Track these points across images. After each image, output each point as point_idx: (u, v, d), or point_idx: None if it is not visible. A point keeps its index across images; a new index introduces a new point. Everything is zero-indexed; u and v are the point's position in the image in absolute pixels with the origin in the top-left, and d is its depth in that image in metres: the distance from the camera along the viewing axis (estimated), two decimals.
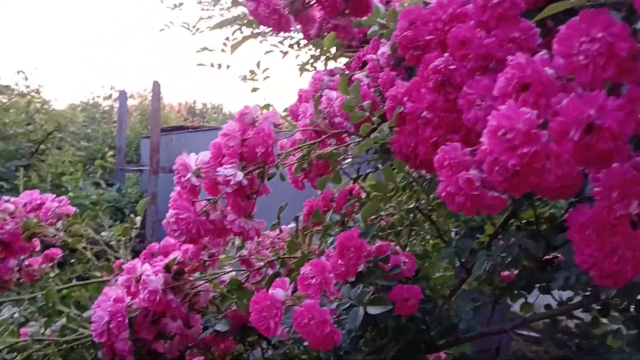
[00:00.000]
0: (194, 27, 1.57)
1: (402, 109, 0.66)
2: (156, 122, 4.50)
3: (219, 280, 0.92)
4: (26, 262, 1.21)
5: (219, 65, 1.46)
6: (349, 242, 0.74)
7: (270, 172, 0.80)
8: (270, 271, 0.93)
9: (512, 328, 0.98)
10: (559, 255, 0.98)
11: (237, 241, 0.91)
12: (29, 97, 5.28)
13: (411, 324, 0.85)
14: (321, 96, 1.08)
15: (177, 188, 0.79)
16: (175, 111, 12.48)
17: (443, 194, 0.59)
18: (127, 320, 0.77)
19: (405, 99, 0.66)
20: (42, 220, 1.13)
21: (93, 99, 7.95)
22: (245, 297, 0.86)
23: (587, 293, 0.95)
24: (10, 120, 4.36)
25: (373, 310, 0.68)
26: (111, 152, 5.47)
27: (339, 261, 0.75)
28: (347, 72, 1.18)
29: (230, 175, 0.72)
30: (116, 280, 0.90)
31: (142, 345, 0.84)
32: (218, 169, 0.73)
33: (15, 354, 0.80)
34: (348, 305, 0.72)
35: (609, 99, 0.43)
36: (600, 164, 0.46)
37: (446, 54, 0.62)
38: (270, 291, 0.65)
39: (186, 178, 0.75)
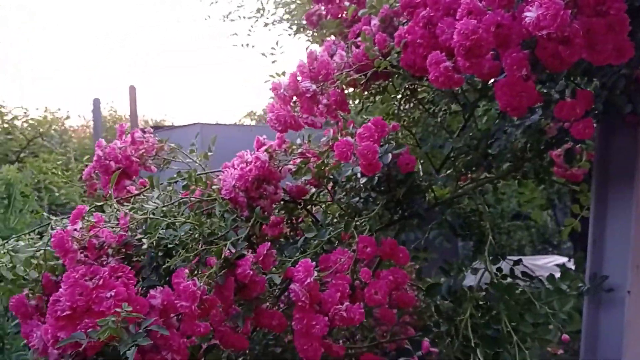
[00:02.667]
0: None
1: (405, 40, 1.23)
2: (134, 123, 4.94)
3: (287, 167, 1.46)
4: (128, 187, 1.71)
5: (247, 45, 1.99)
6: (377, 122, 1.29)
7: (326, 90, 1.35)
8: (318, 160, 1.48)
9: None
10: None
11: (299, 140, 1.45)
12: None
13: (410, 177, 1.42)
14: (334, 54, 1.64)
15: (273, 100, 1.33)
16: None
17: (432, 78, 1.16)
18: (250, 179, 1.30)
19: (407, 34, 1.23)
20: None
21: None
22: (309, 172, 1.41)
23: None
24: None
25: (397, 152, 1.25)
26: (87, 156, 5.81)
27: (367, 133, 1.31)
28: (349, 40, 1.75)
29: (309, 86, 1.27)
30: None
31: (250, 202, 1.37)
32: (301, 83, 1.28)
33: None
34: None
35: (505, 14, 1.01)
36: (504, 45, 1.04)
37: (427, 8, 1.19)
38: (345, 138, 1.20)
39: (281, 91, 1.29)
